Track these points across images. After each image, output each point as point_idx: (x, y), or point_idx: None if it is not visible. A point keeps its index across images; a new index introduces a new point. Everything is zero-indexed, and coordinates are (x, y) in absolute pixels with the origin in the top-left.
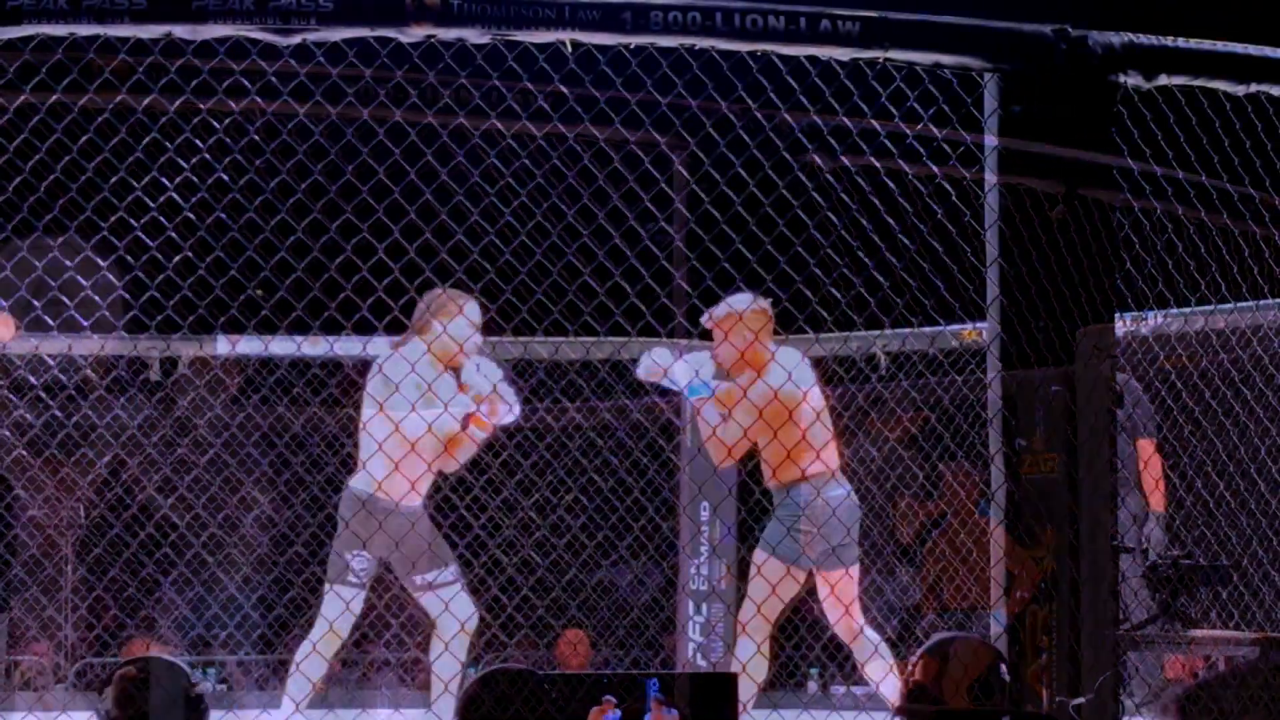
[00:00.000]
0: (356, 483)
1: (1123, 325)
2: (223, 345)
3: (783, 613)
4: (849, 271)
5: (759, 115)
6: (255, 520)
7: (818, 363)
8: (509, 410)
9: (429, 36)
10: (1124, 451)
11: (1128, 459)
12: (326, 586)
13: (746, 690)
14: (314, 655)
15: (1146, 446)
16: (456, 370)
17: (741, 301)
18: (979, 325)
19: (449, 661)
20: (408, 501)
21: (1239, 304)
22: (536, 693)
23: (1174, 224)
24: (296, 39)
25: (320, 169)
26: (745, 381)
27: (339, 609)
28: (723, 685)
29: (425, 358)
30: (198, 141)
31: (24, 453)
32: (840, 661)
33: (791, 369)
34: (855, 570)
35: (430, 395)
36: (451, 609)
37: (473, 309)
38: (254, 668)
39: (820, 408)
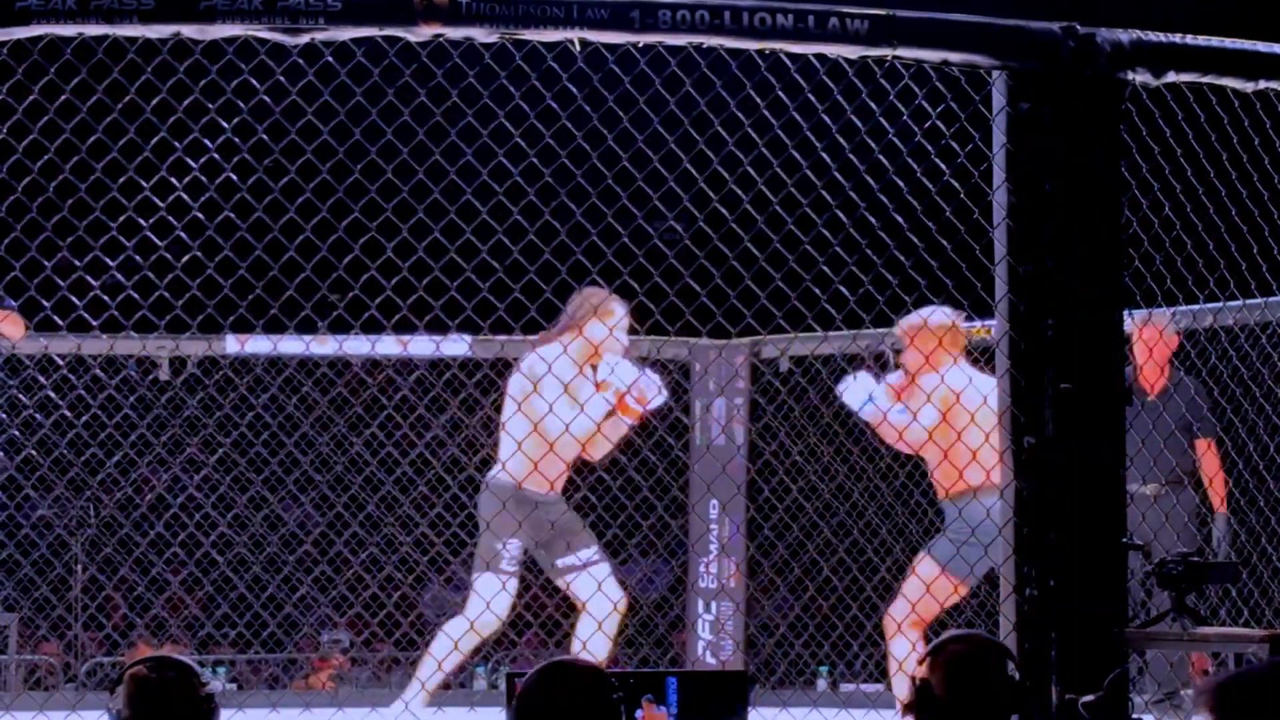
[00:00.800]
0: (500, 477)
1: (1130, 322)
2: (231, 345)
3: (936, 617)
4: (857, 269)
5: (767, 113)
6: (265, 519)
7: (827, 361)
8: (658, 391)
9: (437, 36)
10: (1179, 450)
11: (1183, 457)
12: (475, 576)
13: (900, 687)
14: (470, 634)
15: (1202, 445)
16: (594, 369)
17: (932, 313)
18: (988, 323)
19: (601, 641)
20: (548, 493)
21: (1248, 301)
22: (597, 687)
23: (1182, 220)
24: (305, 39)
25: (328, 168)
26: (926, 384)
27: (494, 592)
28: (732, 684)
29: (566, 357)
30: (206, 141)
31: (33, 452)
32: (850, 660)
33: (963, 384)
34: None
35: (569, 393)
36: (603, 588)
37: (621, 310)
38: (264, 666)
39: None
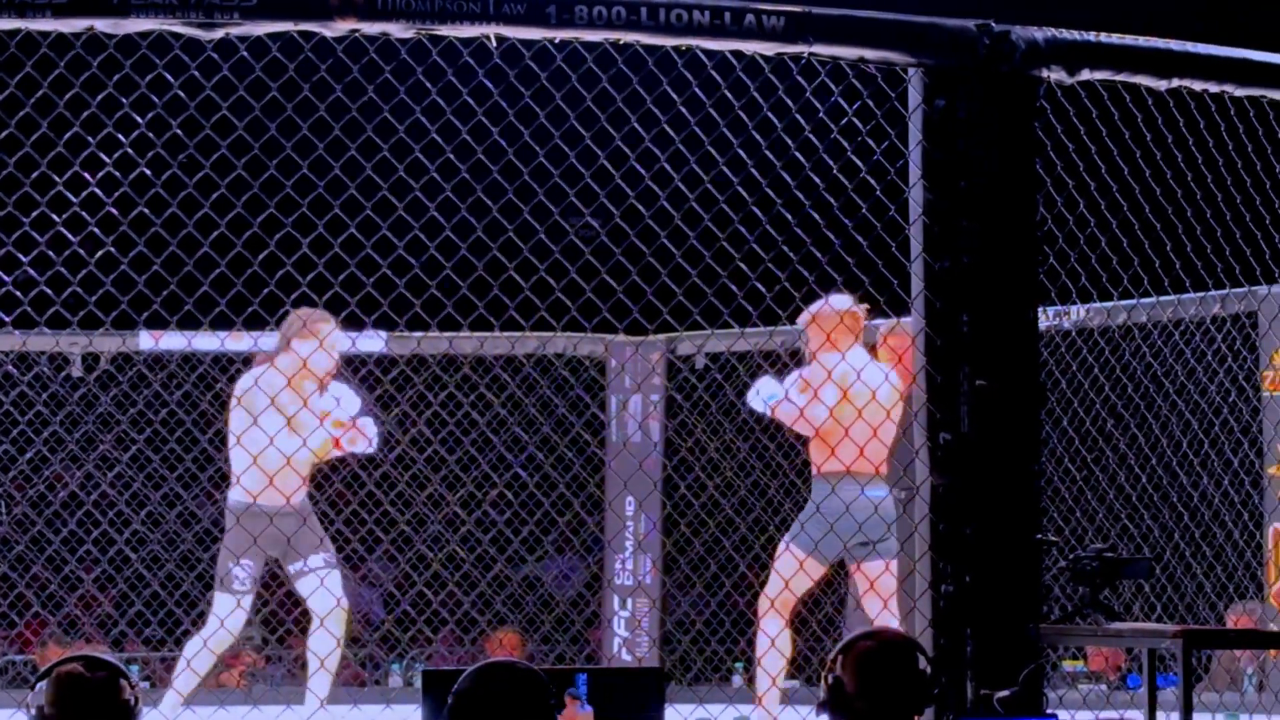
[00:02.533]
0: (234, 495)
1: (1045, 319)
2: (145, 341)
3: (797, 606)
4: (774, 266)
5: (684, 111)
6: (178, 516)
7: (743, 358)
8: (368, 444)
9: (353, 31)
10: None
11: None
12: (216, 590)
13: (763, 683)
14: (204, 652)
15: None
16: (322, 387)
17: (840, 302)
18: (904, 320)
19: (325, 640)
20: (283, 505)
21: (1160, 298)
22: (532, 686)
23: (1096, 217)
24: (219, 33)
25: (243, 164)
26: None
27: (229, 609)
28: (648, 680)
29: (279, 375)
30: (120, 136)
31: None
32: None
33: (835, 368)
34: (894, 566)
35: (278, 409)
36: (327, 588)
37: (329, 327)
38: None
39: (863, 405)
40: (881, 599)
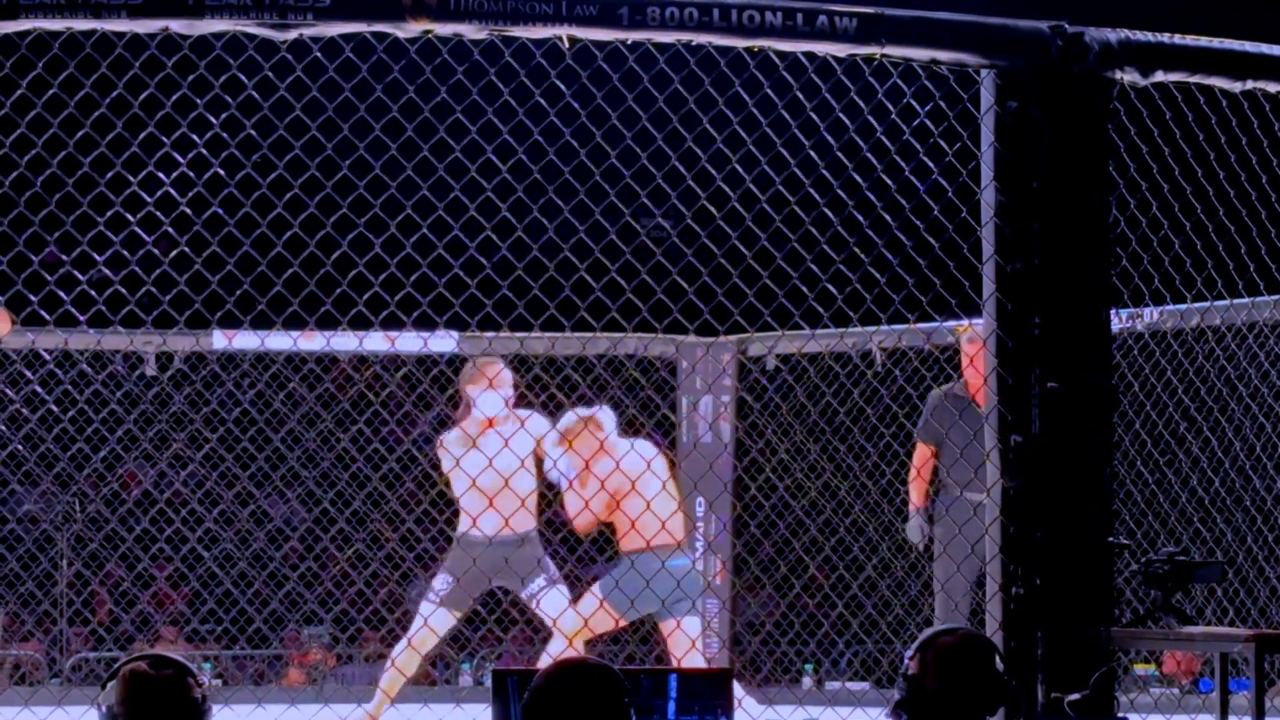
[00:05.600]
0: (460, 524)
1: (1117, 321)
2: (219, 340)
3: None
4: (845, 268)
5: (756, 112)
6: (251, 515)
7: (814, 360)
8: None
9: (426, 32)
10: None
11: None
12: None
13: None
14: (408, 650)
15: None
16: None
17: (582, 411)
18: (975, 321)
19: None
20: (499, 531)
21: (1235, 301)
22: (608, 687)
23: (1169, 220)
24: (293, 34)
25: (316, 164)
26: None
27: (426, 614)
28: (718, 681)
29: (475, 437)
30: (194, 137)
31: (19, 447)
32: (835, 658)
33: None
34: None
35: (481, 452)
36: (552, 613)
37: (501, 375)
38: (248, 662)
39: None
40: (694, 650)
